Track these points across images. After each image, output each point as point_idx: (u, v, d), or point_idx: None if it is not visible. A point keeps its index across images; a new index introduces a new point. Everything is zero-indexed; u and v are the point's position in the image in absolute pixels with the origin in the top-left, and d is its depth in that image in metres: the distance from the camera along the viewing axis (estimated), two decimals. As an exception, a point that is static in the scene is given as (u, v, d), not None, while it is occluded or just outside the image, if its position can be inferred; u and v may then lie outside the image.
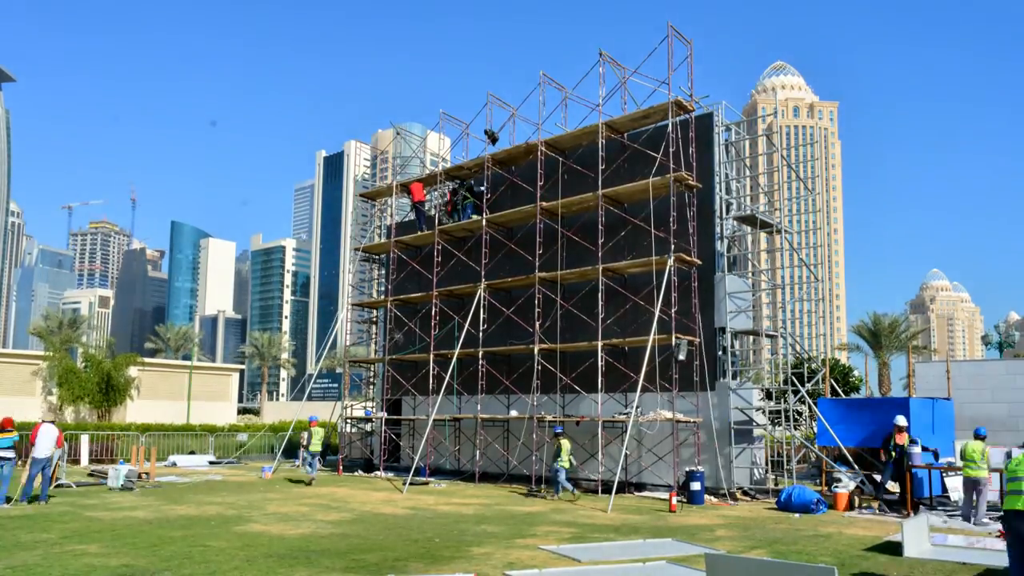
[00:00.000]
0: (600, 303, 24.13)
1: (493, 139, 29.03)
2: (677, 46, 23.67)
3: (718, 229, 23.55)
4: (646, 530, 15.71)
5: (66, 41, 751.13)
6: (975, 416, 23.19)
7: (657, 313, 22.51)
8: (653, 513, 18.52)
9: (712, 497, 21.15)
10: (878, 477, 21.54)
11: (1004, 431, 22.71)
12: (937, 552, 13.11)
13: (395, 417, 31.29)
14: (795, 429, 23.17)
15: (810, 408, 23.30)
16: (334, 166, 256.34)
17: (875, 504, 19.36)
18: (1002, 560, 12.40)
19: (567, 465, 21.43)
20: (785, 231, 24.43)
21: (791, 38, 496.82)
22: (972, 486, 17.01)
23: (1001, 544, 14.08)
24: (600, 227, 24.51)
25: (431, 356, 28.50)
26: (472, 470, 27.02)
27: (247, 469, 30.74)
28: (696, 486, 20.41)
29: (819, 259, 25.55)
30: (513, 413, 26.69)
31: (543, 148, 26.55)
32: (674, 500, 18.79)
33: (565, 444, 21.56)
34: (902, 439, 18.73)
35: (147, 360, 54.67)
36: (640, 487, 23.38)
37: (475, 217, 28.67)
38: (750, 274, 26.35)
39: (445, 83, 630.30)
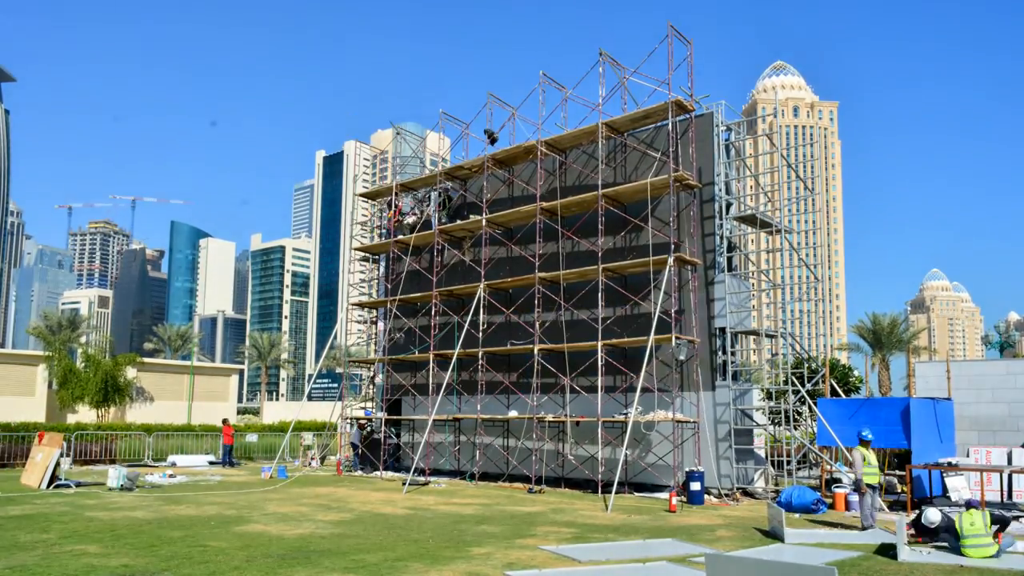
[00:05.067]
0: (600, 303, 24.12)
1: (493, 139, 29.03)
2: (677, 46, 23.68)
3: (718, 229, 23.54)
4: (646, 530, 15.70)
5: (66, 41, 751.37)
6: (975, 416, 23.19)
7: (657, 313, 22.51)
8: (653, 513, 18.51)
9: (712, 497, 21.15)
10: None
11: (1004, 431, 22.69)
12: (935, 553, 13.09)
13: (395, 417, 31.27)
14: (795, 429, 23.15)
15: (810, 408, 23.29)
16: (334, 166, 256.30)
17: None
18: (1001, 561, 12.38)
19: None
20: (785, 231, 24.41)
21: (791, 38, 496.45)
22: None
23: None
24: (600, 227, 24.50)
25: (431, 356, 28.48)
26: (472, 470, 27.02)
27: (247, 470, 30.74)
28: (696, 486, 20.39)
29: (819, 259, 25.56)
30: (513, 413, 26.68)
31: (543, 148, 26.53)
32: (674, 500, 18.78)
33: None
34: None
35: (147, 360, 54.75)
36: (640, 487, 23.37)
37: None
38: (750, 274, 26.33)
39: (445, 83, 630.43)
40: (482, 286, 27.40)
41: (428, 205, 30.81)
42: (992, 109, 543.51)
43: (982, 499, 18.81)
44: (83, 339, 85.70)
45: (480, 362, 27.17)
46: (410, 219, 31.34)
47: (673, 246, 23.33)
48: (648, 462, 23.75)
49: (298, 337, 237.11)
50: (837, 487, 19.80)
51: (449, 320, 29.13)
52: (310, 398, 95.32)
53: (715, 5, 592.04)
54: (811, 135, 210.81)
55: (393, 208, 31.85)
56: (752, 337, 25.45)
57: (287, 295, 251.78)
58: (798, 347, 25.52)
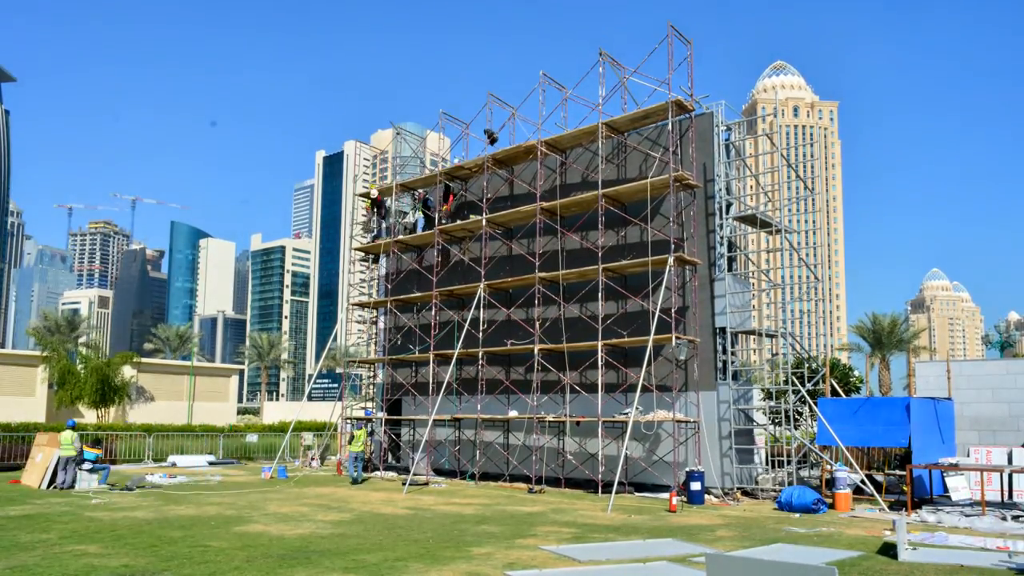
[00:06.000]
0: (600, 302, 24.12)
1: (492, 139, 29.02)
2: (677, 46, 23.68)
3: (718, 229, 23.54)
4: (646, 530, 15.69)
5: (66, 40, 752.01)
6: (976, 416, 23.19)
7: (657, 313, 22.50)
8: (653, 513, 18.50)
9: (712, 497, 21.14)
10: (879, 477, 21.55)
11: (1004, 431, 22.69)
12: (936, 553, 13.09)
13: (395, 417, 31.27)
14: (795, 429, 23.15)
15: (810, 408, 23.27)
16: (334, 166, 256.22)
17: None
18: (1003, 561, 12.38)
19: (359, 449, 25.34)
20: (785, 231, 24.40)
21: (791, 38, 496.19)
22: None
23: (1002, 543, 14.07)
24: (600, 227, 24.49)
25: (431, 356, 28.47)
26: (472, 470, 27.01)
27: (247, 470, 30.73)
28: (696, 486, 20.39)
29: (819, 259, 25.53)
30: (513, 413, 26.67)
31: (543, 148, 26.53)
32: (674, 500, 18.77)
33: (360, 433, 25.86)
34: None
35: (147, 360, 54.70)
36: (640, 487, 23.37)
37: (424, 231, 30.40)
38: (750, 274, 26.32)
39: (445, 83, 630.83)
40: (482, 286, 27.39)
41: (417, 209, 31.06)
42: (992, 109, 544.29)
43: (982, 499, 18.83)
44: (82, 339, 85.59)
45: (480, 362, 27.17)
46: (410, 219, 31.38)
47: (673, 246, 23.32)
48: (648, 462, 23.74)
49: (298, 337, 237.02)
50: (837, 487, 19.76)
51: (449, 320, 29.13)
52: (310, 398, 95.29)
53: (715, 5, 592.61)
54: (811, 135, 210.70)
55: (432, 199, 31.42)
56: (752, 337, 25.44)
57: (287, 295, 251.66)
58: (798, 347, 25.51)
